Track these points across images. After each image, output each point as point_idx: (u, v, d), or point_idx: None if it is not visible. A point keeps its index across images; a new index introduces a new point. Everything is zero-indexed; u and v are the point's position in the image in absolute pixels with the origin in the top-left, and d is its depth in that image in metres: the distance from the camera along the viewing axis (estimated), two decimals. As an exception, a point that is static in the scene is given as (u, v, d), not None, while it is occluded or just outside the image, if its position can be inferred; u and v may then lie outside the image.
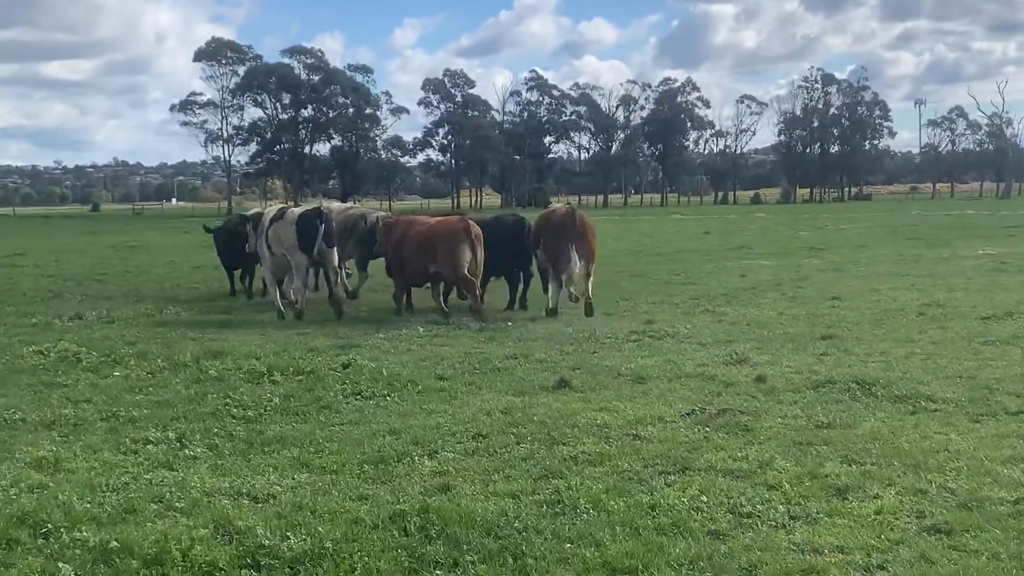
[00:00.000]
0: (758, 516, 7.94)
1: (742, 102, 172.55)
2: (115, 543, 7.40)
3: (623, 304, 21.77)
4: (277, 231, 20.23)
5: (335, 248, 20.54)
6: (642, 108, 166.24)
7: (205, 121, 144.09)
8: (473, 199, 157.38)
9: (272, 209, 21.99)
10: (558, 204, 27.40)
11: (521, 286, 21.77)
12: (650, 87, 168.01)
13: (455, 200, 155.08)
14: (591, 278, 20.40)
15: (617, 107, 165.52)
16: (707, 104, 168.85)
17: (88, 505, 8.30)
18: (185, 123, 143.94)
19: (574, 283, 20.46)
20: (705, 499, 8.28)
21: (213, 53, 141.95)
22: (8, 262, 37.65)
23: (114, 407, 11.86)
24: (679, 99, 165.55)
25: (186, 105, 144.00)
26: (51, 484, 8.87)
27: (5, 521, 7.90)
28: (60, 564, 7.14)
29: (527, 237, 21.28)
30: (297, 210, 20.71)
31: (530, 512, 8.10)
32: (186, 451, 9.97)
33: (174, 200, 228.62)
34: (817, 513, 8.01)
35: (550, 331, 17.64)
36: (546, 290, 20.77)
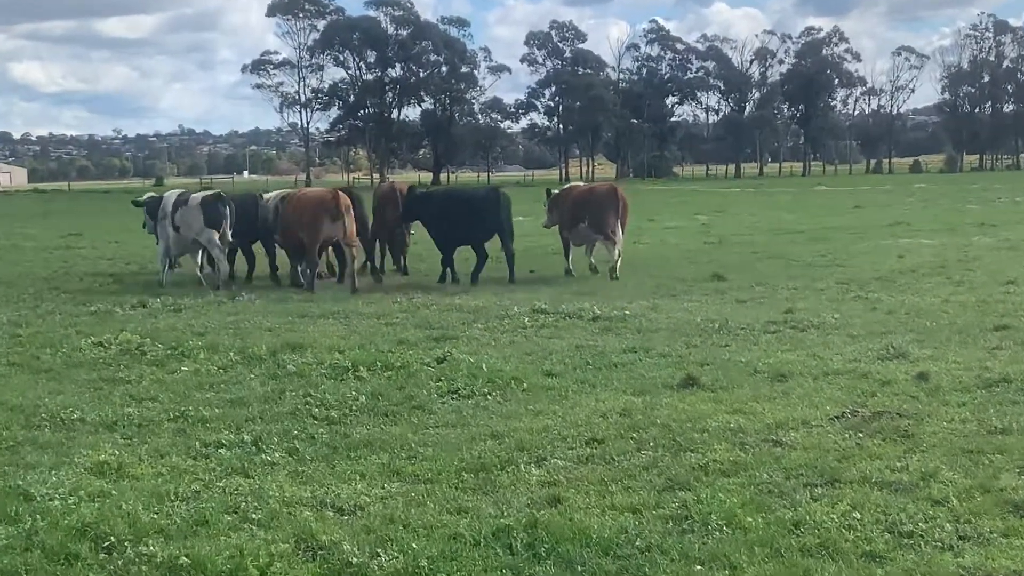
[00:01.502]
0: (921, 536, 7.85)
1: (899, 54, 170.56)
2: (185, 559, 7.52)
3: (759, 290, 21.63)
4: (184, 215, 24.11)
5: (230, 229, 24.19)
6: (781, 63, 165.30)
7: (280, 83, 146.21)
8: (584, 169, 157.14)
9: (172, 194, 25.55)
10: (576, 183, 31.71)
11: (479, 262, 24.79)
12: (790, 38, 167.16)
13: (563, 171, 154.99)
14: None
15: (751, 62, 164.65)
16: (857, 57, 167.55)
17: (155, 516, 8.45)
18: (258, 86, 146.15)
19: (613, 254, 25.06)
20: (858, 516, 8.19)
21: (289, 6, 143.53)
22: (63, 243, 38.51)
23: (182, 406, 12.06)
24: (824, 52, 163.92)
25: (259, 65, 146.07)
26: (114, 492, 9.04)
27: (64, 533, 8.08)
28: (124, 582, 7.28)
29: (503, 209, 24.97)
30: (199, 194, 24.92)
31: (653, 529, 8.07)
32: (263, 456, 10.10)
33: (246, 173, 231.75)
34: (990, 533, 7.89)
35: (674, 321, 17.58)
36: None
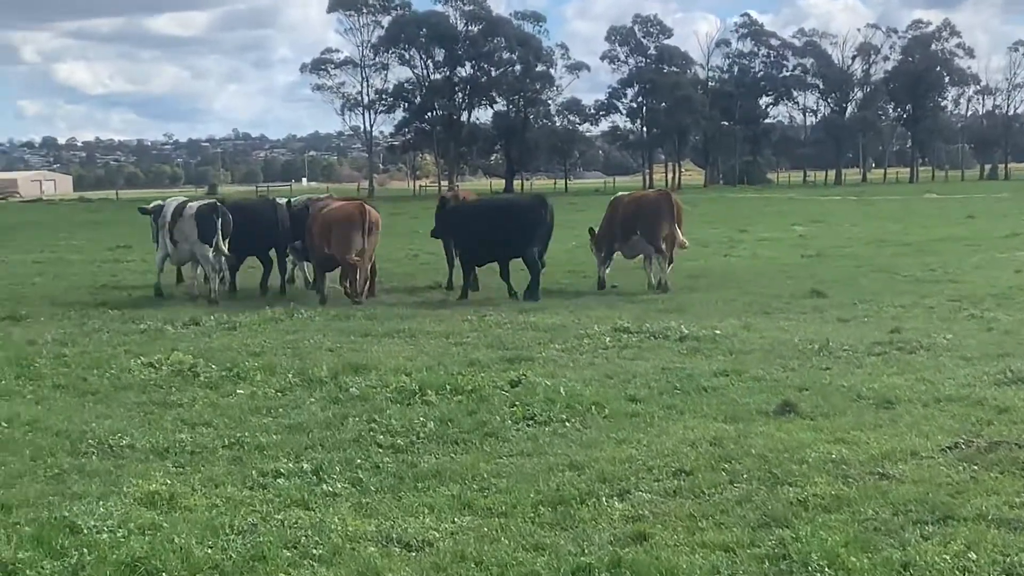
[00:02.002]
0: (1041, 579, 7.77)
1: (1016, 50, 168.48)
2: (241, 597, 7.58)
3: (862, 307, 21.50)
4: (181, 226, 25.18)
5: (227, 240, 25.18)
6: (885, 59, 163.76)
7: (342, 84, 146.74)
8: (670, 175, 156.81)
9: (172, 201, 26.67)
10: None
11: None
12: (896, 32, 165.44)
13: (647, 177, 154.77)
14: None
15: (853, 58, 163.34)
16: (970, 53, 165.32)
17: (209, 550, 8.54)
18: (318, 86, 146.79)
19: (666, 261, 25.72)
20: (974, 556, 8.13)
21: (352, 1, 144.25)
22: (111, 256, 38.96)
23: (238, 432, 12.19)
24: (933, 47, 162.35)
25: (319, 65, 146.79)
26: (165, 524, 9.14)
27: (113, 569, 8.17)
28: (177, 621, 7.35)
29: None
30: (195, 204, 25.83)
31: (747, 569, 8.06)
32: (324, 486, 10.17)
33: (304, 180, 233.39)
34: (1118, 576, 7.79)
35: (770, 341, 17.51)
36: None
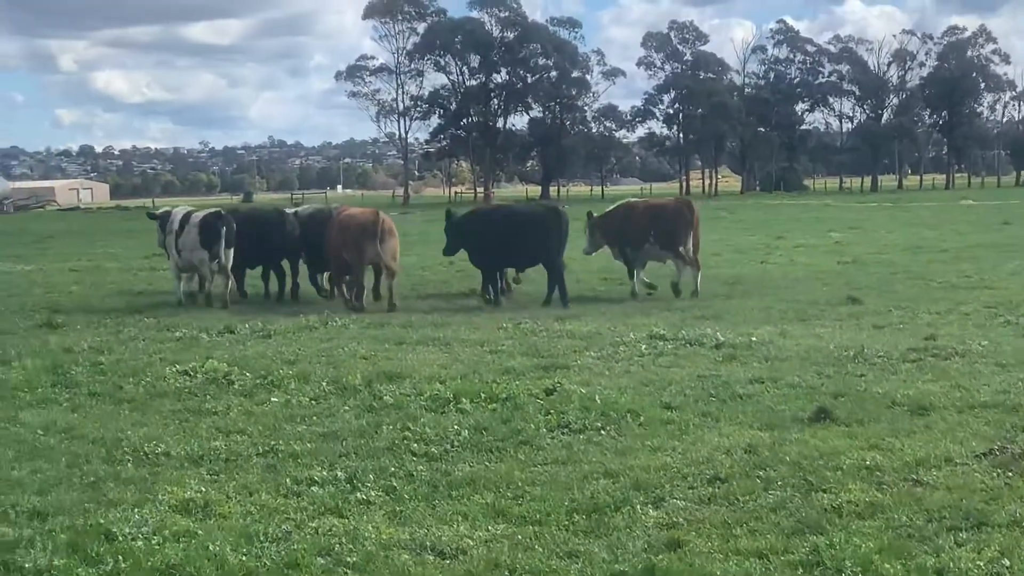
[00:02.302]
0: (1077, 587, 7.74)
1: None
2: (275, 604, 7.61)
3: (898, 314, 21.42)
4: (186, 235, 25.81)
5: (231, 249, 25.83)
6: (921, 65, 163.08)
7: (377, 91, 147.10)
8: (706, 181, 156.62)
9: (180, 210, 27.30)
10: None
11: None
12: (931, 38, 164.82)
13: (683, 183, 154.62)
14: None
15: (889, 65, 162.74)
16: (1006, 59, 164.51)
17: (244, 558, 8.59)
18: (353, 93, 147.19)
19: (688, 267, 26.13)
20: (1007, 563, 8.11)
21: (387, 8, 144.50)
22: (147, 264, 39.06)
23: (272, 439, 12.23)
24: (970, 53, 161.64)
25: (355, 72, 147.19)
26: (200, 532, 9.20)
27: (148, 575, 8.22)
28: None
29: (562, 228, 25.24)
30: (200, 213, 26.39)
31: (782, 575, 8.05)
32: (358, 494, 10.20)
33: (340, 187, 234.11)
34: None
35: (805, 348, 17.46)
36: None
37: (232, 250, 25.84)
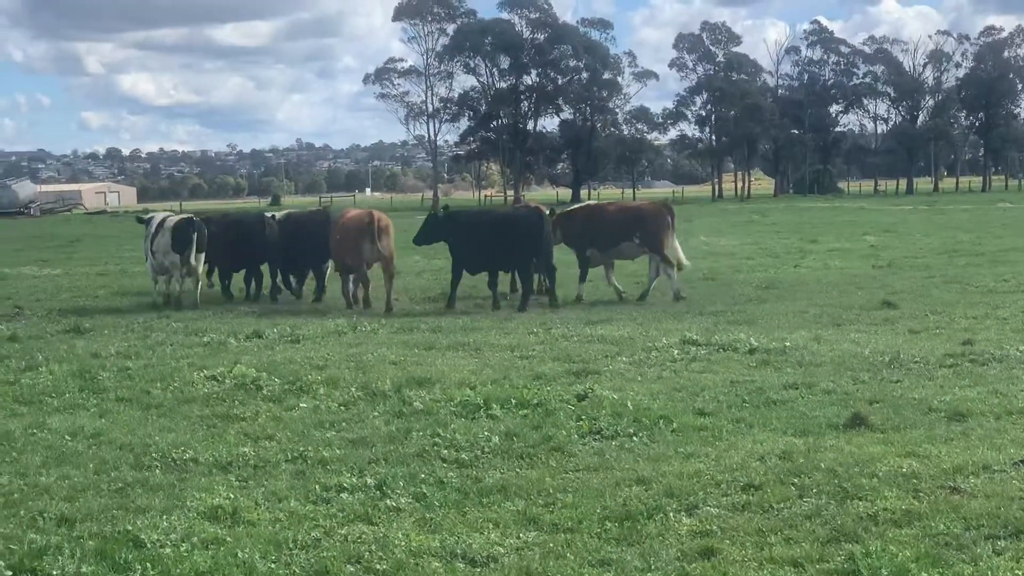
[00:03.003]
0: (1118, 597, 7.70)
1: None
2: (305, 612, 7.62)
3: (934, 319, 21.37)
4: (160, 238, 27.07)
5: (203, 253, 27.30)
6: (957, 66, 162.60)
7: (406, 93, 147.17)
8: (739, 184, 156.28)
9: (159, 215, 29.26)
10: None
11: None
12: (968, 39, 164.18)
13: (716, 186, 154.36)
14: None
15: (924, 66, 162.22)
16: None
17: (273, 565, 8.61)
18: (382, 95, 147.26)
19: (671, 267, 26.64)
20: (1047, 573, 8.07)
21: (416, 9, 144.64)
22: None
23: (301, 446, 12.25)
24: (1007, 54, 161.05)
25: (383, 74, 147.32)
26: (229, 539, 9.22)
27: (176, 583, 8.25)
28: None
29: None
30: (173, 218, 28.08)
31: (817, 585, 8.03)
32: (387, 501, 10.21)
33: (368, 191, 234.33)
34: None
35: (840, 354, 17.42)
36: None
37: (203, 254, 27.32)
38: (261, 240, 28.56)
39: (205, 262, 28.32)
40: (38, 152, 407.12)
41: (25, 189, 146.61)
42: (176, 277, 27.38)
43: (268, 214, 31.08)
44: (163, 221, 27.71)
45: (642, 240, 26.65)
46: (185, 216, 28.63)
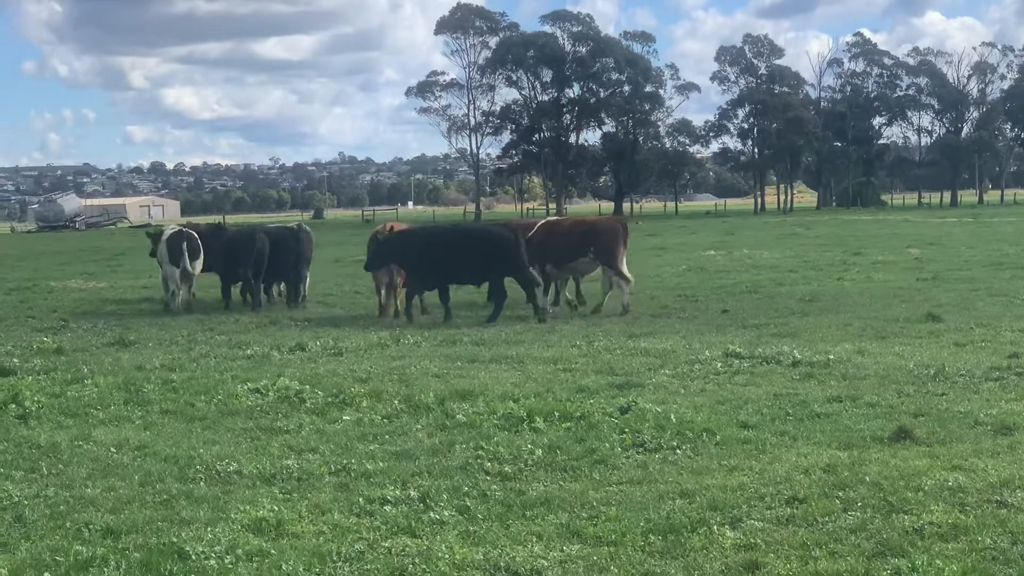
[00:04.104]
0: None
1: None
2: (349, 625, 7.63)
3: (980, 331, 21.22)
4: (160, 249, 29.59)
5: (198, 261, 29.29)
6: (1002, 78, 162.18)
7: (448, 106, 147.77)
8: (782, 197, 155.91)
9: (167, 229, 31.48)
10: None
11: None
12: (1012, 51, 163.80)
13: (759, 199, 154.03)
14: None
15: (969, 78, 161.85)
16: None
17: (316, 578, 8.61)
18: (424, 109, 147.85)
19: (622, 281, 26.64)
20: (1095, 588, 8.01)
21: (459, 23, 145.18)
22: (217, 282, 39.34)
23: (344, 458, 12.26)
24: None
25: (426, 87, 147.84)
26: (273, 551, 9.23)
27: (220, 595, 8.28)
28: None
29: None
30: (169, 231, 30.49)
31: (863, 599, 7.99)
32: (431, 514, 10.21)
33: (411, 204, 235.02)
34: None
35: (884, 367, 17.34)
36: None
37: (199, 262, 29.33)
38: (261, 252, 29.67)
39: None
40: (83, 166, 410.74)
41: (71, 203, 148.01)
42: (176, 284, 29.08)
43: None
44: (161, 234, 30.28)
45: (596, 255, 26.81)
46: (177, 229, 31.00)
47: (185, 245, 28.95)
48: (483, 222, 30.21)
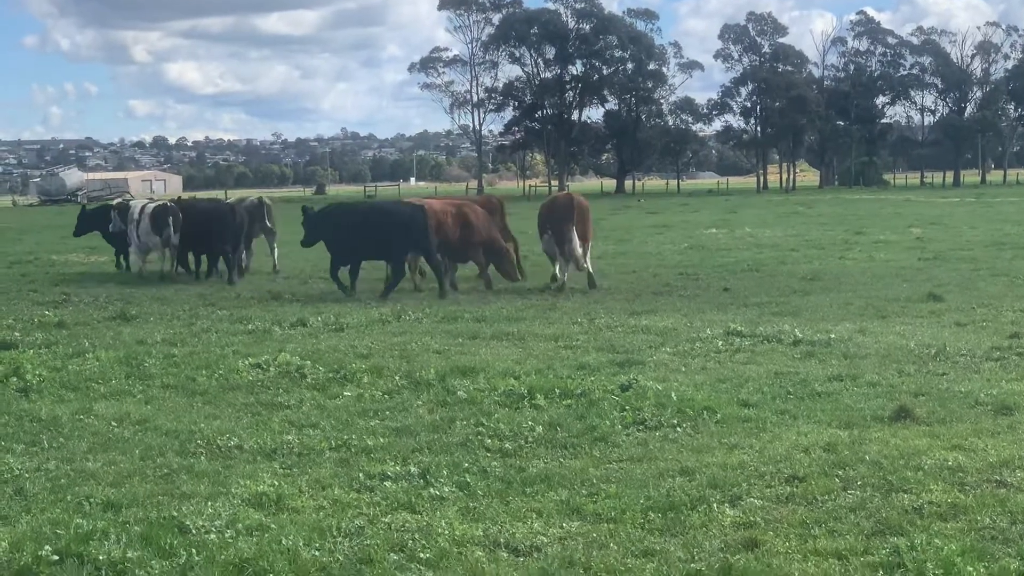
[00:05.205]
0: None
1: None
2: (348, 600, 7.64)
3: (981, 312, 21.21)
4: (143, 223, 31.11)
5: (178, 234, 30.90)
6: (1006, 58, 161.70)
7: (451, 82, 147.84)
8: (784, 175, 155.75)
9: (137, 203, 34.02)
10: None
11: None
12: (1016, 30, 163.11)
13: (761, 177, 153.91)
14: (588, 255, 27.08)
15: (973, 57, 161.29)
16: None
17: (316, 553, 8.63)
18: (427, 85, 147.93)
19: (576, 260, 26.60)
20: (1094, 568, 8.01)
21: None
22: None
23: (345, 434, 12.28)
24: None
25: (428, 63, 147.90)
26: (273, 526, 9.25)
27: (221, 569, 8.29)
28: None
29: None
30: (152, 205, 32.27)
31: (861, 578, 8.00)
32: (431, 490, 10.23)
33: (413, 180, 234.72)
34: None
35: (885, 346, 17.35)
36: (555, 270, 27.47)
37: (179, 234, 30.85)
38: (234, 226, 30.84)
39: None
40: (85, 140, 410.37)
41: (72, 177, 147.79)
42: (162, 253, 31.34)
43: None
44: (143, 208, 31.74)
45: (553, 233, 26.87)
46: (160, 203, 32.77)
47: (171, 219, 30.59)
48: (395, 199, 31.74)
